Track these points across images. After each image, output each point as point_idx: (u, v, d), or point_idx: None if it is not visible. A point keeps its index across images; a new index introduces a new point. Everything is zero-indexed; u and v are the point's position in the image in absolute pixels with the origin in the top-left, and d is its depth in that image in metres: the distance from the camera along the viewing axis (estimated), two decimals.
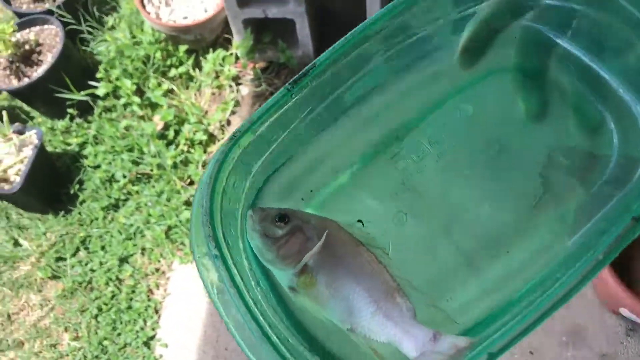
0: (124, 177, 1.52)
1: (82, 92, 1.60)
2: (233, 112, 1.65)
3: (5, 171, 1.42)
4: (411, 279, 0.44)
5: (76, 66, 1.61)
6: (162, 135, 1.56)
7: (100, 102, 1.62)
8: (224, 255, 0.41)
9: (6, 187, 1.41)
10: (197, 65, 1.68)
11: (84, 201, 1.55)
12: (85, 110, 1.64)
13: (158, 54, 1.61)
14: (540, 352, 1.29)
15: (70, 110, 1.62)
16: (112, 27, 1.74)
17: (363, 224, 0.49)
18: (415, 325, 0.42)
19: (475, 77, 0.54)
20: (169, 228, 1.47)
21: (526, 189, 0.50)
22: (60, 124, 1.61)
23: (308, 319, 0.46)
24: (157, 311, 1.43)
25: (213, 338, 1.39)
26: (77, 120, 1.63)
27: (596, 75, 0.50)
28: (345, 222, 0.47)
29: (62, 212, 1.54)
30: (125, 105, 1.59)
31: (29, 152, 1.43)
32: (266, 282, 0.47)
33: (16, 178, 1.42)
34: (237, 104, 1.66)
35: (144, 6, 1.62)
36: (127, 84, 1.56)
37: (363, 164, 0.52)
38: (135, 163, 1.54)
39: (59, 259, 1.50)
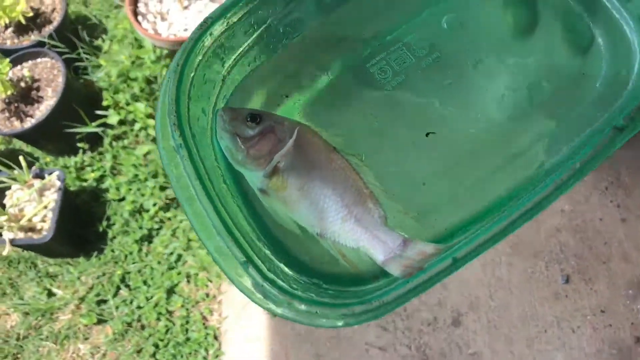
0: (154, 205, 1.45)
1: (94, 123, 1.51)
2: None
3: (30, 220, 1.33)
4: (386, 189, 0.44)
5: (80, 97, 1.52)
6: None
7: (109, 131, 1.54)
8: (189, 145, 0.40)
9: (35, 236, 1.32)
10: None
11: (114, 237, 1.47)
12: (94, 142, 1.56)
13: (164, 72, 1.53)
14: (610, 309, 1.30)
15: (80, 145, 1.53)
16: (107, 51, 1.66)
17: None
18: (385, 231, 0.42)
19: None
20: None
21: (508, 104, 0.49)
22: (74, 160, 1.52)
23: (274, 222, 0.45)
24: (216, 337, 1.38)
25: (281, 354, 1.35)
26: (89, 153, 1.54)
27: None
28: (320, 129, 0.46)
29: (95, 253, 1.46)
30: (140, 130, 1.52)
31: (52, 196, 1.35)
32: (232, 180, 0.45)
33: (43, 225, 1.34)
34: None
35: (139, 23, 1.54)
36: (141, 108, 1.49)
37: (342, 70, 0.50)
38: (162, 189, 1.47)
39: (101, 301, 1.43)
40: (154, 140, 1.53)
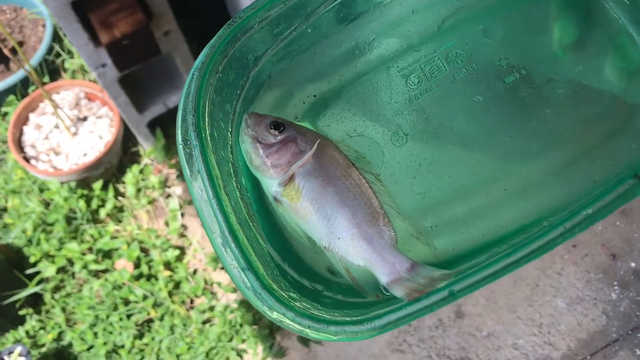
0: (127, 337, 1.39)
1: (31, 283, 1.42)
2: (182, 215, 1.58)
3: None
4: (399, 205, 0.46)
5: (2, 266, 1.43)
6: (139, 275, 1.44)
7: (47, 286, 1.46)
8: (205, 146, 0.41)
9: None
10: (118, 193, 1.58)
11: None
12: (35, 303, 1.47)
13: (81, 204, 1.49)
14: (579, 240, 1.42)
15: (23, 312, 1.43)
16: (9, 209, 1.57)
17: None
18: (394, 252, 0.43)
19: None
20: (207, 354, 1.37)
21: (538, 126, 0.48)
22: (24, 330, 1.42)
23: (285, 226, 0.46)
24: None
25: None
26: (36, 317, 1.45)
27: None
28: (343, 131, 0.48)
29: None
30: (82, 270, 1.45)
31: None
32: (248, 182, 0.47)
33: None
34: (180, 206, 1.59)
35: (35, 167, 1.49)
36: (75, 247, 1.43)
37: (373, 72, 0.50)
38: (129, 316, 1.41)
39: None
40: (97, 274, 1.47)
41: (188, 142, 0.40)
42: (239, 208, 0.42)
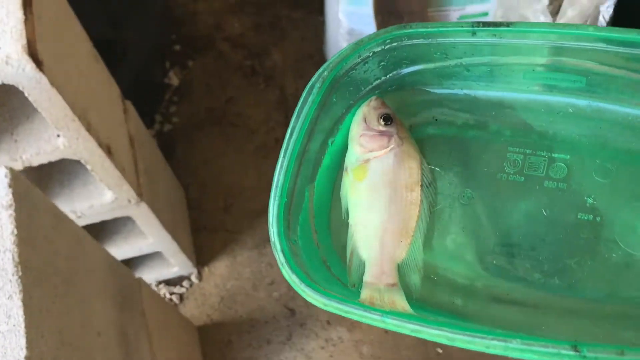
0: None
1: None
2: None
3: None
4: (428, 242, 0.51)
5: None
6: None
7: None
8: (303, 131, 0.49)
9: None
10: None
11: None
12: None
13: None
14: None
15: None
16: None
17: None
18: (391, 267, 0.49)
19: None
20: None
21: (574, 269, 0.49)
22: None
23: (334, 216, 0.54)
24: None
25: None
26: None
27: None
28: (434, 160, 0.54)
29: None
30: None
31: None
32: (340, 144, 0.54)
33: None
34: None
35: None
36: None
37: (490, 136, 0.55)
38: None
39: None
40: None
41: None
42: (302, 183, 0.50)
